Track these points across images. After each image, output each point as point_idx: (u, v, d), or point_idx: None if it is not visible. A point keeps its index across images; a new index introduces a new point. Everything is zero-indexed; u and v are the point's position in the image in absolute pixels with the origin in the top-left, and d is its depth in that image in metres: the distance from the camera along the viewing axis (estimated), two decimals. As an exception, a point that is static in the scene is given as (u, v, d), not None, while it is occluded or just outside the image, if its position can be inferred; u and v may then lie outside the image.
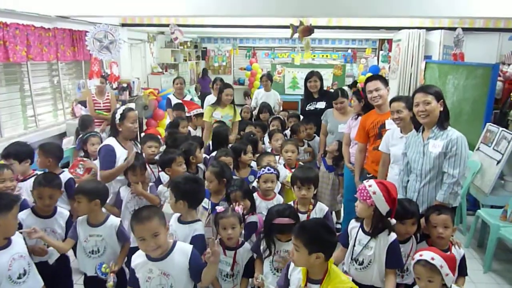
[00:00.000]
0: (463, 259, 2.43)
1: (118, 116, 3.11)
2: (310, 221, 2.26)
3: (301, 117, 4.93)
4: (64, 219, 2.63)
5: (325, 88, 5.19)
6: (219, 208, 2.37)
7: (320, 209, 2.67)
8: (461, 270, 2.42)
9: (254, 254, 2.40)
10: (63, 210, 2.69)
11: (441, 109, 2.55)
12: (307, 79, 4.71)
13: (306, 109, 4.74)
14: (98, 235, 2.47)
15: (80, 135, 4.36)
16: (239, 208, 2.38)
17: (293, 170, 3.31)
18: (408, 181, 2.78)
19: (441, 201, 2.52)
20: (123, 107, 3.24)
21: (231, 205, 2.53)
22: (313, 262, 1.85)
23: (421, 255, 2.00)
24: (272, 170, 2.91)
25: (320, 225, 1.94)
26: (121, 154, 3.06)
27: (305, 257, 1.85)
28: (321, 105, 4.60)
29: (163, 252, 1.99)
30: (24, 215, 2.54)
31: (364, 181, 2.33)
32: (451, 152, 2.49)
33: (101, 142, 3.62)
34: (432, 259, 1.93)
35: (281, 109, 5.99)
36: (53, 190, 2.55)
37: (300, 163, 3.58)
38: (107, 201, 2.78)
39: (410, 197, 2.66)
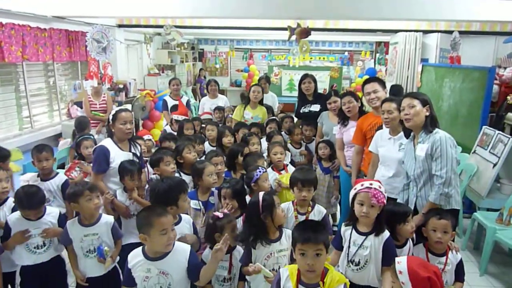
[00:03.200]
0: (460, 264, 2.41)
1: (110, 117, 3.10)
2: (312, 222, 2.30)
3: (295, 119, 4.92)
4: (55, 216, 2.60)
5: (321, 91, 5.18)
6: (218, 214, 2.37)
7: (318, 211, 2.67)
8: (458, 276, 2.40)
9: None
10: (52, 209, 2.65)
11: (427, 114, 2.56)
12: (301, 81, 4.67)
13: (301, 111, 4.71)
14: (94, 234, 2.47)
15: (76, 137, 4.32)
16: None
17: (281, 172, 3.32)
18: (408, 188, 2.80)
19: (433, 202, 2.51)
20: (117, 108, 3.22)
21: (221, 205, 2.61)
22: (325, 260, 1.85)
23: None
24: (263, 169, 2.95)
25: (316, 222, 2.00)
26: (116, 155, 3.03)
27: (325, 257, 1.84)
28: (316, 107, 4.56)
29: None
30: (13, 217, 2.51)
31: (367, 184, 2.24)
32: (436, 153, 2.50)
33: (95, 144, 3.58)
34: (398, 263, 1.81)
35: (279, 112, 5.98)
36: (36, 210, 2.51)
37: (288, 164, 3.57)
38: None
39: (411, 202, 2.69)
